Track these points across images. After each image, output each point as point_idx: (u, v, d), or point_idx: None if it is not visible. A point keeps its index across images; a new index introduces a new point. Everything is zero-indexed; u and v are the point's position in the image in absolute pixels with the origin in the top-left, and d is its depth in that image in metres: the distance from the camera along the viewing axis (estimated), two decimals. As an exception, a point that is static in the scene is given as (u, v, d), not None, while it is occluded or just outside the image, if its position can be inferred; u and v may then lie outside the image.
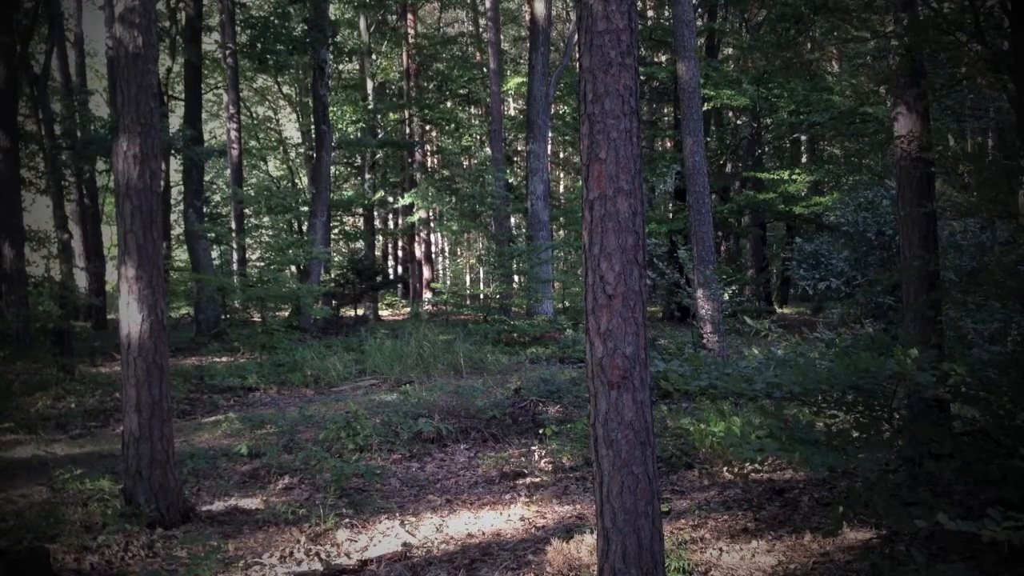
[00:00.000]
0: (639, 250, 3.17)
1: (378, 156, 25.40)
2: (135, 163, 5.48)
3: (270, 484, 6.29)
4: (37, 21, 15.92)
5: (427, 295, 23.53)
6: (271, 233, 23.05)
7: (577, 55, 3.33)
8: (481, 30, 25.97)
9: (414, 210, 22.31)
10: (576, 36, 4.20)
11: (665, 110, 24.82)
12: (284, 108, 31.19)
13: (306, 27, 18.10)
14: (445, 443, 7.31)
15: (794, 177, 18.32)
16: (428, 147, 28.15)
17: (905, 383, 3.74)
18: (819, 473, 5.35)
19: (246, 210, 21.79)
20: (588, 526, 4.84)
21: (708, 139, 20.45)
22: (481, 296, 20.53)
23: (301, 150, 29.41)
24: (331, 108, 22.85)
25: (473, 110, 29.81)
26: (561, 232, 23.56)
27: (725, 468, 6.06)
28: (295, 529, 5.20)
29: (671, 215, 20.66)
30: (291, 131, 32.39)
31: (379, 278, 22.29)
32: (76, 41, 22.44)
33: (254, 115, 30.44)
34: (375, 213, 26.12)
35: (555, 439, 6.86)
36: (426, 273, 25.60)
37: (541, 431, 7.22)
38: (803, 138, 22.01)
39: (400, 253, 30.57)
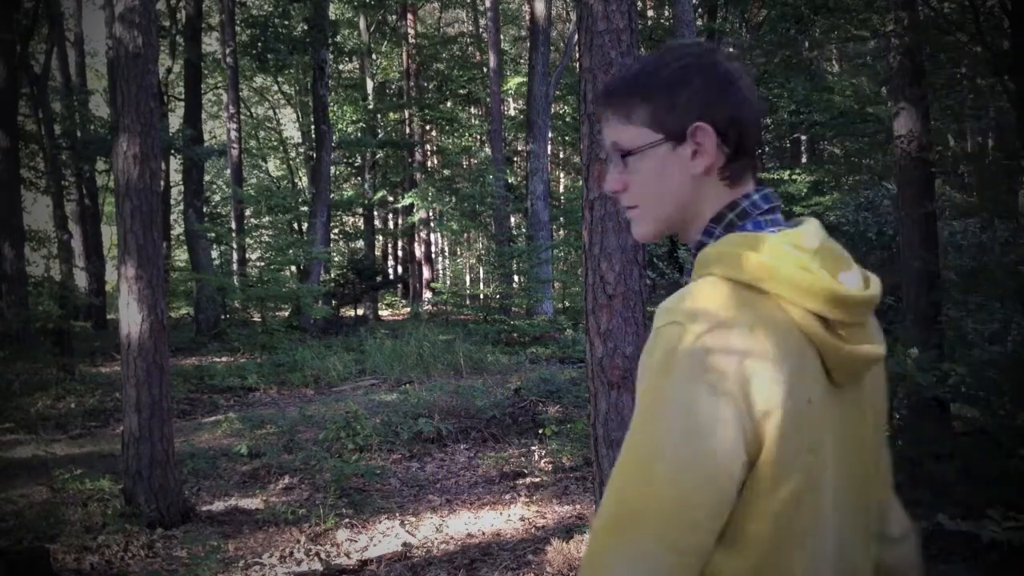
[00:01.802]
0: (639, 250, 3.17)
1: (378, 156, 25.39)
2: (135, 163, 5.48)
3: (270, 484, 6.28)
4: (37, 21, 15.92)
5: (427, 295, 23.51)
6: (271, 233, 23.05)
7: (577, 55, 3.31)
8: (481, 30, 25.96)
9: (414, 210, 22.31)
10: (576, 36, 4.20)
11: (665, 110, 24.75)
12: (284, 108, 31.20)
13: (306, 27, 18.11)
14: (445, 443, 7.31)
15: (794, 177, 18.30)
16: (428, 147, 28.15)
17: (905, 383, 3.74)
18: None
19: (246, 210, 21.79)
20: (588, 526, 4.84)
21: (708, 139, 20.36)
22: (481, 296, 20.52)
23: (301, 150, 29.40)
24: (331, 108, 22.85)
25: (473, 110, 29.80)
26: (561, 232, 23.55)
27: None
28: (295, 529, 5.20)
29: (671, 215, 20.62)
30: (291, 131, 32.38)
31: (379, 278, 22.28)
32: (76, 41, 22.43)
33: (254, 115, 30.44)
34: (375, 213, 26.10)
35: (555, 439, 6.86)
36: (426, 273, 25.58)
37: (541, 431, 7.21)
38: (803, 138, 22.00)
39: (400, 253, 30.56)
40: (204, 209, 19.79)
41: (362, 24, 24.50)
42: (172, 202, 24.16)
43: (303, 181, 27.67)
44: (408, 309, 22.26)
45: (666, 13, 22.86)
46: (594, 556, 0.89)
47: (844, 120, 16.38)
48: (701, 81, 1.03)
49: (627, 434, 0.91)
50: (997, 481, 3.59)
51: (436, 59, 26.28)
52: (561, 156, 30.43)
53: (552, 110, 20.73)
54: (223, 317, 18.08)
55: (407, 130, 25.52)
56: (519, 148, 25.87)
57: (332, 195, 21.55)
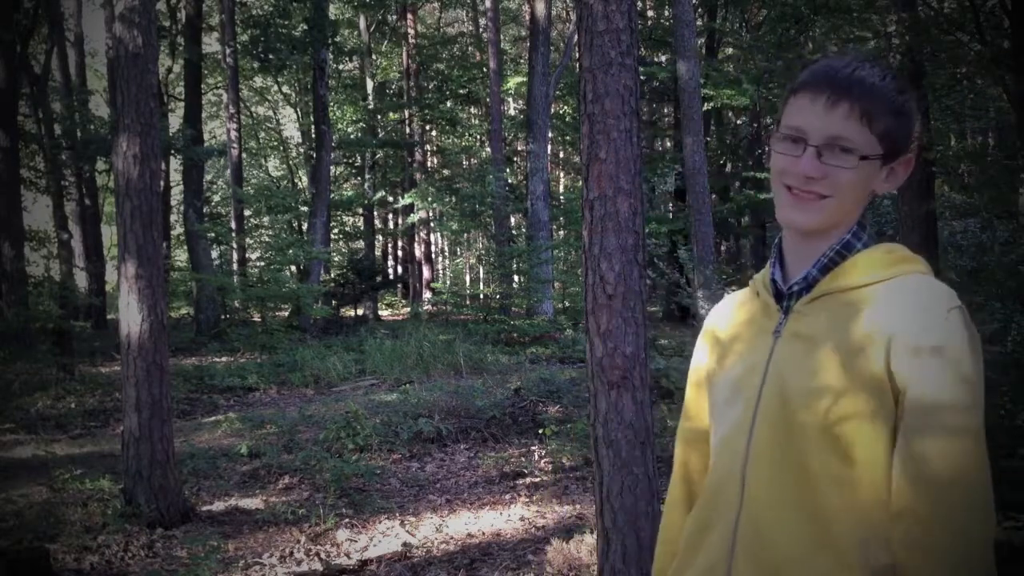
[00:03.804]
0: (639, 250, 3.17)
1: (378, 156, 25.38)
2: (135, 163, 5.48)
3: (270, 484, 6.28)
4: (37, 21, 15.93)
5: (427, 295, 23.51)
6: (271, 233, 23.05)
7: (577, 55, 3.31)
8: (481, 30, 25.97)
9: (414, 210, 22.31)
10: (576, 36, 4.20)
11: (665, 110, 24.78)
12: (284, 108, 31.19)
13: (306, 27, 18.10)
14: (445, 443, 7.31)
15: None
16: (428, 147, 28.13)
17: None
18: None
19: (246, 210, 21.80)
20: (588, 526, 4.83)
21: (708, 139, 20.42)
22: (481, 296, 20.53)
23: (301, 150, 29.40)
24: (331, 108, 22.83)
25: (473, 110, 29.79)
26: (561, 232, 23.54)
27: (725, 468, 6.04)
28: (295, 529, 5.20)
29: (671, 215, 20.64)
30: (291, 131, 32.38)
31: (379, 278, 22.27)
32: (76, 41, 22.43)
33: (254, 115, 30.43)
34: (375, 213, 26.09)
35: (555, 439, 6.85)
36: (426, 273, 25.58)
37: (541, 431, 7.20)
38: (803, 138, 21.95)
39: (400, 253, 30.56)
40: (204, 209, 19.78)
41: (362, 24, 24.49)
42: (172, 202, 24.15)
43: (303, 181, 27.66)
44: (408, 309, 22.26)
45: (666, 13, 22.86)
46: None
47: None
48: (917, 119, 1.20)
49: (963, 373, 1.06)
50: (997, 481, 3.58)
51: (436, 59, 26.26)
52: (561, 156, 30.42)
53: (552, 110, 20.73)
54: (223, 317, 18.08)
55: (407, 130, 25.50)
56: (519, 148, 25.85)
57: (332, 195, 21.54)
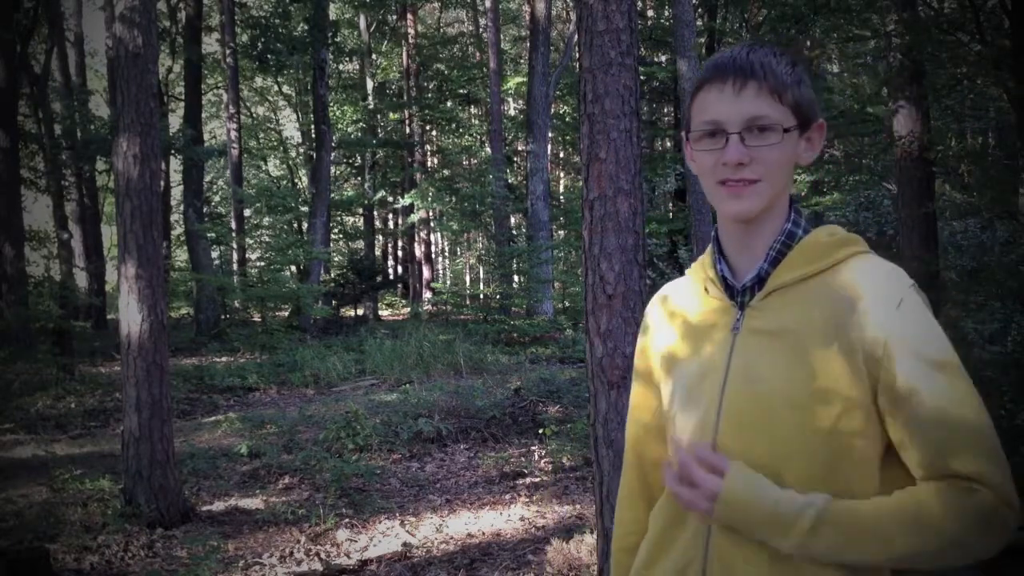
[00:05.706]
0: (639, 250, 3.16)
1: (378, 156, 25.37)
2: (135, 163, 5.48)
3: (270, 484, 6.28)
4: (37, 21, 15.92)
5: (427, 295, 23.49)
6: (271, 233, 23.04)
7: (577, 55, 3.31)
8: (481, 30, 25.95)
9: (414, 210, 22.30)
10: (576, 36, 4.20)
11: (665, 110, 24.77)
12: (284, 108, 31.17)
13: (306, 27, 18.10)
14: (445, 443, 7.31)
15: (794, 177, 18.26)
16: (428, 147, 28.11)
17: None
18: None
19: (246, 210, 21.79)
20: (588, 526, 4.83)
21: (708, 139, 20.32)
22: (481, 296, 20.53)
23: (301, 150, 29.39)
24: (331, 108, 22.82)
25: (473, 110, 29.77)
26: (561, 232, 23.53)
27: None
28: (295, 529, 5.20)
29: (671, 215, 20.64)
30: (291, 131, 32.36)
31: (379, 278, 22.26)
32: (76, 41, 22.42)
33: (254, 115, 30.41)
34: (375, 213, 26.08)
35: (555, 439, 6.85)
36: (426, 273, 25.55)
37: (541, 431, 7.20)
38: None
39: (400, 253, 30.54)
40: (204, 209, 19.78)
41: (362, 24, 24.48)
42: (172, 202, 24.14)
43: (303, 181, 27.65)
44: (408, 309, 22.24)
45: (666, 13, 22.84)
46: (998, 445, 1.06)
47: (844, 120, 16.39)
48: (811, 86, 1.21)
49: (945, 355, 1.06)
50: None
51: (436, 59, 26.24)
52: (561, 156, 30.39)
53: (552, 110, 20.71)
54: (223, 317, 18.08)
55: (407, 130, 25.48)
56: (519, 148, 25.83)
57: (332, 195, 21.53)
